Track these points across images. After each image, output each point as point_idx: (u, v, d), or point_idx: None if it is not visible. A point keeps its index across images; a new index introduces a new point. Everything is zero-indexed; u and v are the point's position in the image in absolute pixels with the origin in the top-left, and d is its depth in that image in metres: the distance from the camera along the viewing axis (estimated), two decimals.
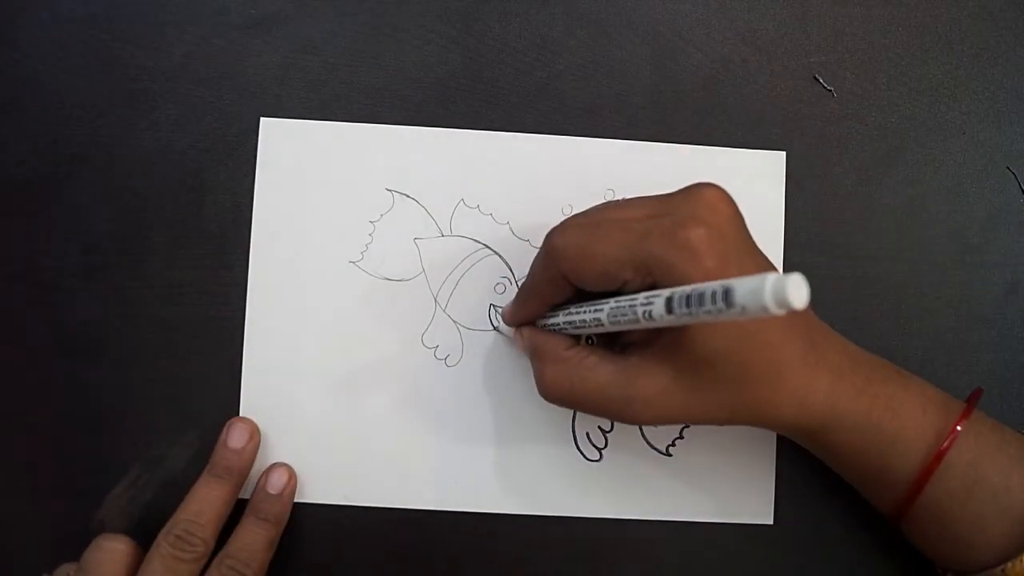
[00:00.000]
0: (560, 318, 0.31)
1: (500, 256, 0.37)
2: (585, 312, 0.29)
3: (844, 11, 0.38)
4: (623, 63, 0.38)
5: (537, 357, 0.32)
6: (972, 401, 0.31)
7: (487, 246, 0.37)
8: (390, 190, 0.37)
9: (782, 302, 0.19)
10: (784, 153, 0.37)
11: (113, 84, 0.37)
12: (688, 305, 0.23)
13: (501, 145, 0.37)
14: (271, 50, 0.37)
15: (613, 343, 0.32)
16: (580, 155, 0.37)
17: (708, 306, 0.21)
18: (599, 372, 0.30)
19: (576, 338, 0.32)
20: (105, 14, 0.37)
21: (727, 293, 0.21)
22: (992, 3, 0.38)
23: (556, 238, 0.30)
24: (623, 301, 0.27)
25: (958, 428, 0.30)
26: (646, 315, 0.25)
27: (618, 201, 0.30)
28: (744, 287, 0.20)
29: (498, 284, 0.37)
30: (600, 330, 0.29)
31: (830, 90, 0.38)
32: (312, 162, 0.37)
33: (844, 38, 0.38)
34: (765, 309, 0.19)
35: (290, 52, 0.37)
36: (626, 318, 0.26)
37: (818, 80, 0.38)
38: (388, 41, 0.38)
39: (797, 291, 0.19)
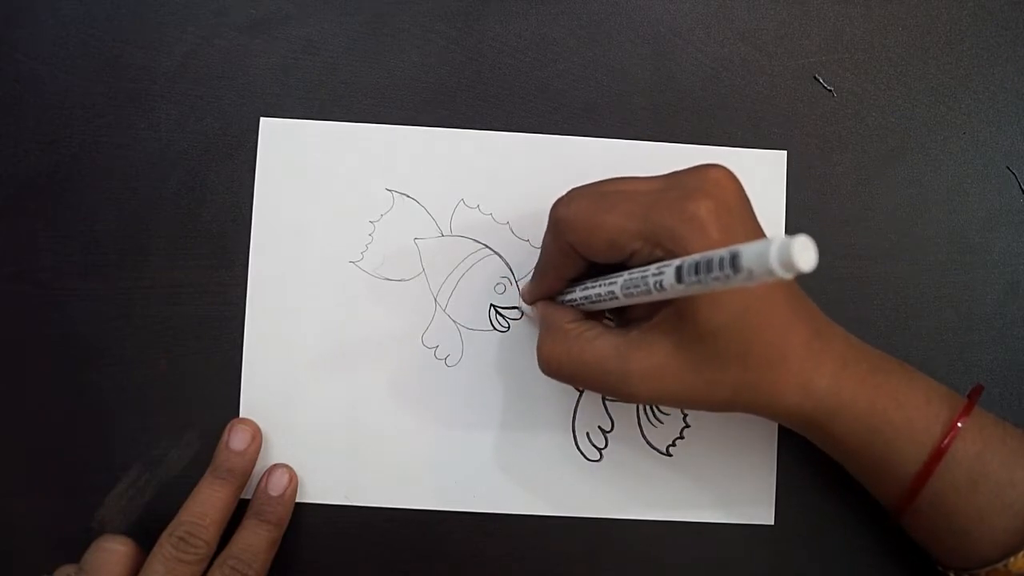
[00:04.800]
0: (577, 293, 0.31)
1: (500, 256, 0.37)
2: (600, 286, 0.29)
3: (844, 11, 0.38)
4: (623, 63, 0.38)
5: (541, 328, 0.32)
6: (974, 395, 0.31)
7: (487, 246, 0.37)
8: (390, 190, 0.37)
9: (788, 265, 0.19)
10: (785, 152, 0.37)
11: (113, 84, 0.37)
12: (697, 272, 0.22)
13: (501, 145, 0.37)
14: (271, 50, 0.37)
15: (622, 320, 0.32)
16: (580, 155, 0.37)
17: (716, 272, 0.21)
18: (598, 344, 0.29)
19: (595, 315, 0.32)
20: (105, 14, 0.37)
21: (734, 258, 0.20)
22: (992, 3, 0.38)
23: (562, 209, 0.29)
24: (636, 273, 0.27)
25: (959, 424, 0.30)
26: (657, 285, 0.25)
27: (623, 177, 0.30)
28: (750, 251, 0.20)
29: (498, 284, 0.37)
30: (616, 303, 0.28)
31: (830, 90, 0.38)
32: (312, 162, 0.37)
33: (844, 38, 0.38)
34: (771, 272, 0.19)
35: (290, 52, 0.37)
36: (639, 289, 0.26)
37: (818, 80, 0.38)
38: (388, 41, 0.38)
39: (803, 253, 0.19)
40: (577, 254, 0.30)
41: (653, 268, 0.26)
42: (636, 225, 0.28)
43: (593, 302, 0.30)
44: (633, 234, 0.28)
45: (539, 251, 0.32)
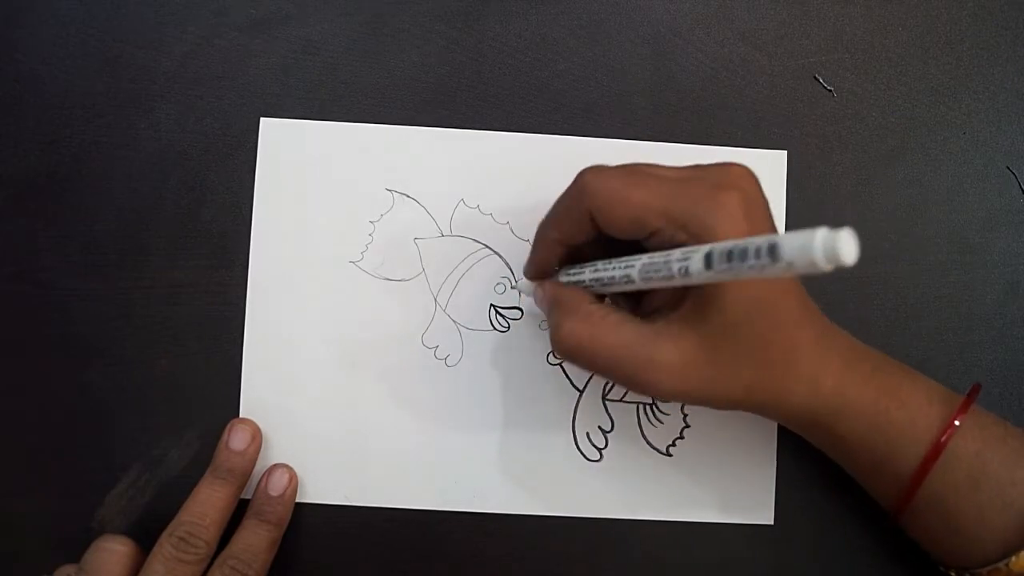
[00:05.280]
0: (587, 275, 0.30)
1: (500, 256, 0.37)
2: (615, 268, 0.28)
3: (844, 11, 0.38)
4: (623, 63, 0.38)
5: (557, 309, 0.30)
6: (972, 395, 0.31)
7: (487, 246, 0.37)
8: (390, 190, 0.37)
9: (832, 257, 0.19)
10: (785, 152, 0.37)
11: (113, 84, 0.37)
12: (729, 260, 0.22)
13: (501, 145, 0.37)
14: (271, 50, 0.37)
15: (635, 308, 0.32)
16: (580, 155, 0.37)
17: (752, 260, 0.21)
18: (622, 331, 0.28)
19: (600, 298, 0.31)
20: (105, 14, 0.37)
21: (772, 248, 0.20)
22: (992, 3, 0.38)
23: (590, 175, 0.29)
24: (657, 257, 0.26)
25: (956, 423, 0.30)
26: (682, 271, 0.24)
27: (652, 163, 0.30)
28: (792, 241, 0.20)
29: (498, 284, 0.37)
30: (629, 288, 0.28)
31: (830, 90, 0.38)
32: (312, 162, 0.37)
33: (844, 38, 0.38)
34: (814, 264, 0.19)
35: (290, 52, 0.37)
36: (660, 275, 0.26)
37: (818, 80, 0.38)
38: (388, 41, 0.38)
39: (847, 245, 0.19)
40: (590, 223, 0.29)
41: (678, 252, 0.25)
42: (663, 204, 0.27)
43: (605, 284, 0.29)
44: (658, 212, 0.27)
45: (553, 205, 0.31)
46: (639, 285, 0.27)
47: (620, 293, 0.30)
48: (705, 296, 0.28)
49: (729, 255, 0.22)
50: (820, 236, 0.19)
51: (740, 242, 0.22)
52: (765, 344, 0.28)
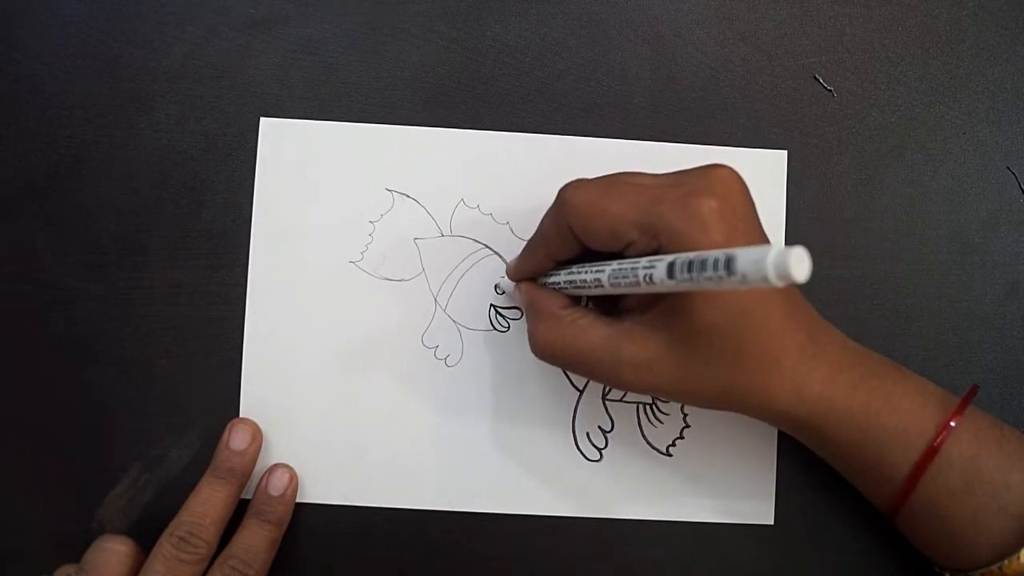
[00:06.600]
0: (562, 276, 0.31)
1: (500, 256, 0.37)
2: (587, 272, 0.29)
3: (844, 11, 0.38)
4: (623, 63, 0.38)
5: (532, 313, 0.32)
6: (968, 397, 0.31)
7: (487, 246, 0.37)
8: (390, 190, 0.37)
9: (783, 274, 0.19)
10: (785, 152, 0.37)
11: (113, 84, 0.37)
12: (690, 271, 0.23)
13: (501, 145, 0.37)
14: (271, 50, 0.37)
15: (612, 309, 0.32)
16: (580, 155, 0.37)
17: (710, 272, 0.22)
18: (592, 333, 0.30)
19: (575, 299, 0.32)
20: (105, 14, 0.37)
21: (729, 261, 0.21)
22: (992, 3, 0.38)
23: (569, 192, 0.30)
24: (625, 263, 0.27)
25: (952, 424, 0.30)
26: (647, 278, 0.25)
27: (634, 171, 0.30)
28: (746, 256, 0.20)
29: (498, 284, 0.37)
30: (600, 291, 0.29)
31: (830, 90, 0.38)
32: (312, 162, 0.37)
33: (844, 38, 0.38)
34: (766, 279, 0.20)
35: (290, 52, 0.37)
36: (627, 280, 0.26)
37: (818, 80, 0.38)
38: (388, 41, 0.38)
39: (799, 264, 0.19)
40: (574, 238, 0.30)
41: (644, 260, 0.26)
42: (637, 216, 0.28)
43: (577, 287, 0.30)
44: (632, 224, 0.28)
45: (540, 220, 0.32)
46: (608, 290, 0.28)
47: (597, 296, 0.31)
48: (675, 301, 0.28)
49: (690, 266, 0.23)
50: (773, 253, 0.19)
51: (701, 254, 0.22)
52: (741, 350, 0.28)
